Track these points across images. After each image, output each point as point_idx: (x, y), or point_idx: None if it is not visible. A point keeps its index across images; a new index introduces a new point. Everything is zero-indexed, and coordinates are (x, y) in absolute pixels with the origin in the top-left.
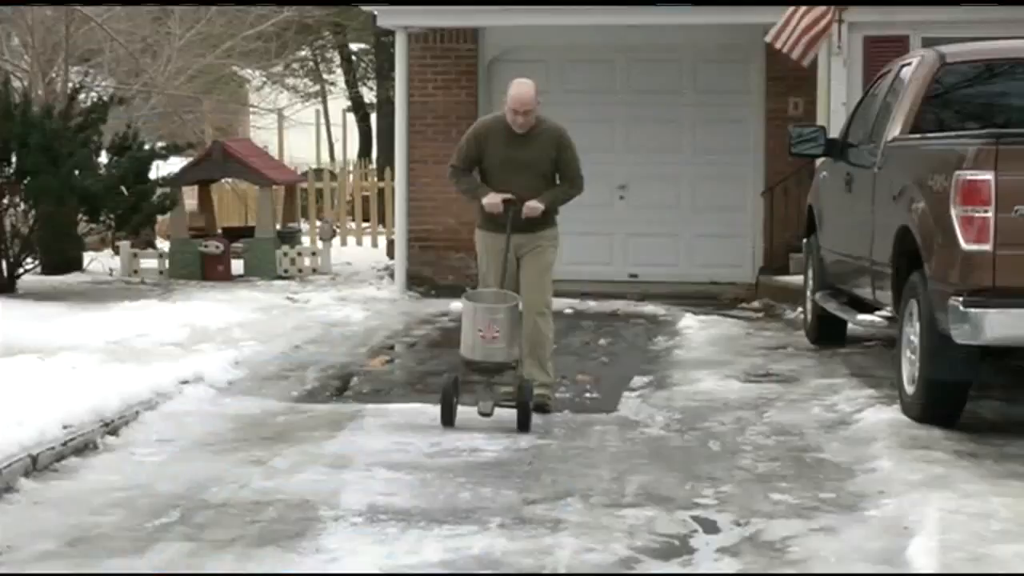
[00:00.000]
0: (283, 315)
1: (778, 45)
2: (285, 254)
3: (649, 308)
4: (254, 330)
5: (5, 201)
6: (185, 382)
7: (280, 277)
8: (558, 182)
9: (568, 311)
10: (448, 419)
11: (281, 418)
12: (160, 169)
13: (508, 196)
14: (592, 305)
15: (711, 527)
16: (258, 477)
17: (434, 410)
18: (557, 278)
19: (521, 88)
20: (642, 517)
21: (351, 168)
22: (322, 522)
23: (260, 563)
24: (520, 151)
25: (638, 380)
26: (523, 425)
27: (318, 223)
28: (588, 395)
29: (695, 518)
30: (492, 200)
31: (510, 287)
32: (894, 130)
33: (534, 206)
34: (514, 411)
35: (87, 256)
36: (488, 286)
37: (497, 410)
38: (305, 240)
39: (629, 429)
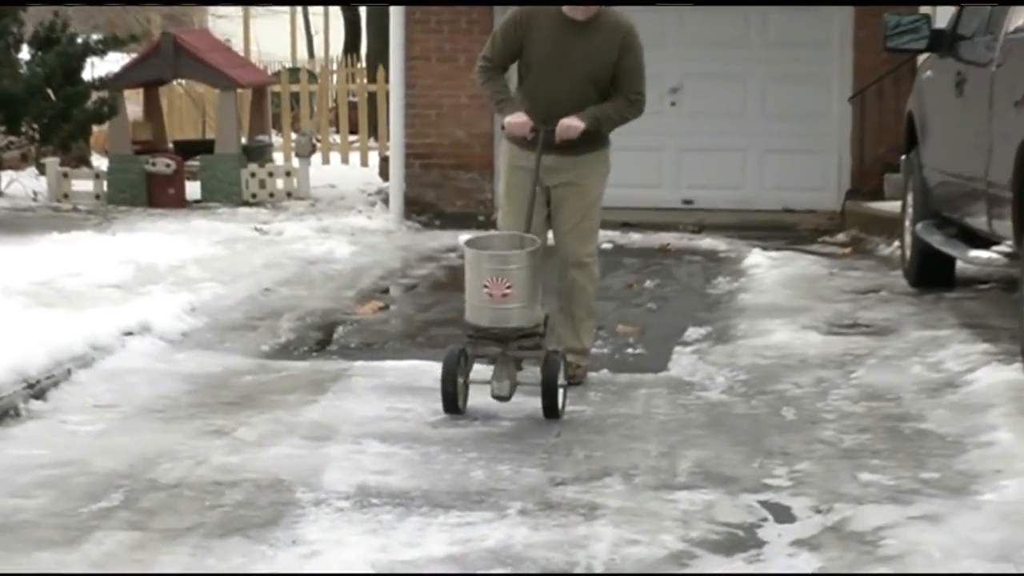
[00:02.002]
0: (250, 250)
1: None
2: (253, 174)
3: (707, 242)
4: (214, 268)
5: None
6: (129, 333)
7: (246, 203)
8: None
9: (607, 246)
10: (452, 405)
11: (248, 378)
12: (96, 68)
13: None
14: (636, 238)
15: (784, 514)
16: (220, 451)
17: (439, 368)
18: None
19: None
20: (699, 502)
21: (334, 67)
22: (300, 507)
23: (222, 557)
24: (573, 46)
25: (693, 332)
26: (550, 411)
27: (294, 136)
28: (631, 350)
29: (764, 503)
30: (518, 120)
31: (539, 231)
32: (1018, 19)
33: (570, 125)
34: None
35: (5, 176)
36: (507, 225)
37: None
38: (278, 157)
39: (682, 392)
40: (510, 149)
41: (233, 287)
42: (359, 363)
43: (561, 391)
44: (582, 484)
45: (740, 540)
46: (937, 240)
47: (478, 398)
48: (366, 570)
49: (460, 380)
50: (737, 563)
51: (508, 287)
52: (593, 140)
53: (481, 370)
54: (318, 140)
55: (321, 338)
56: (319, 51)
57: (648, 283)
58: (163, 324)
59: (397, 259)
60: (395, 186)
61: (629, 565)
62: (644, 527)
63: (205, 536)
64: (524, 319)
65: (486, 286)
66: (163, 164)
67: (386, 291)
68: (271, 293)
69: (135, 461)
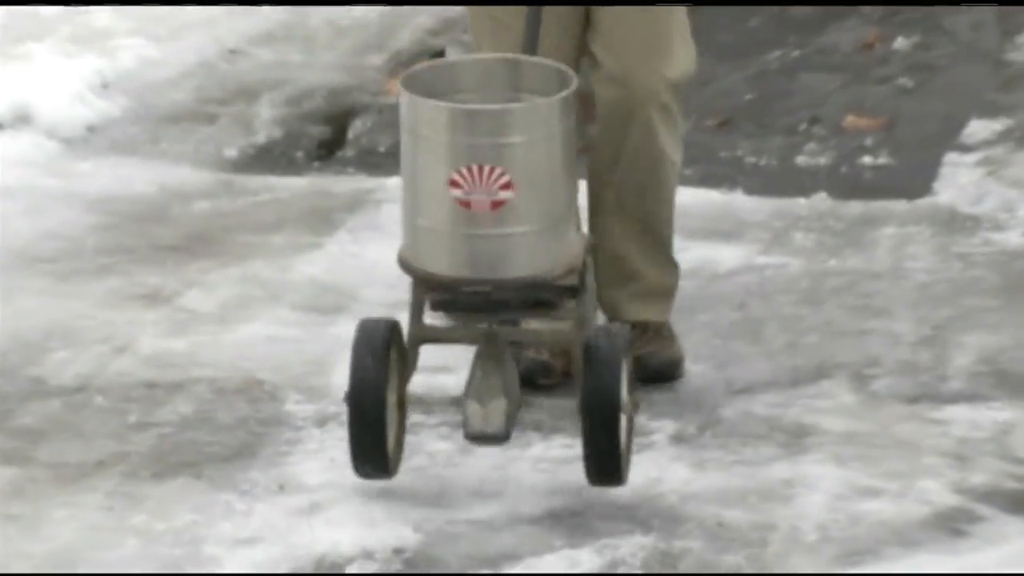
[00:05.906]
0: None
1: None
2: None
3: None
4: (141, 14)
5: None
6: None
7: None
8: None
9: None
10: (370, 454)
11: (202, 204)
12: None
13: None
14: None
15: None
16: (154, 331)
17: None
18: None
19: None
20: (986, 424)
21: None
22: (291, 425)
23: (158, 513)
24: None
25: (979, 128)
26: (603, 471)
27: None
28: (869, 159)
29: None
30: None
31: (562, 50)
32: None
33: None
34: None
35: None
36: (485, 45)
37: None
38: None
39: (959, 233)
40: None
41: (174, 46)
42: (392, 180)
43: (624, 419)
44: (781, 391)
45: None
46: None
47: None
48: (407, 533)
49: (391, 398)
50: None
51: (505, 184)
52: None
53: (431, 364)
54: None
55: (328, 136)
56: None
57: (900, 41)
58: (53, 111)
59: None
60: None
61: (862, 531)
62: (889, 466)
63: (128, 476)
64: (542, 258)
65: (456, 184)
66: None
67: (440, 54)
68: (240, 57)
69: (9, 346)
